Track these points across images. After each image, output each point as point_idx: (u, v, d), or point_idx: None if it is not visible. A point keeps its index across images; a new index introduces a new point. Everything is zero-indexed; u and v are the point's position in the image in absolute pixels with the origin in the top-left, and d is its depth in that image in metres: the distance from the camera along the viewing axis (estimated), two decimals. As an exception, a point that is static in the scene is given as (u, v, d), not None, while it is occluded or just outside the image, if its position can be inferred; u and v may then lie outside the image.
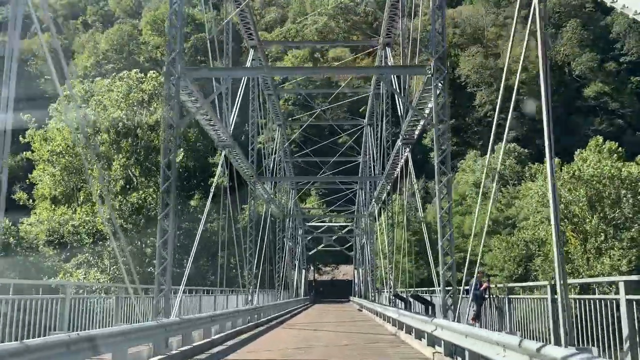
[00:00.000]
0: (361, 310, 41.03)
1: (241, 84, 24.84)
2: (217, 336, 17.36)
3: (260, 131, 35.77)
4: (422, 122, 18.87)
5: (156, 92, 50.81)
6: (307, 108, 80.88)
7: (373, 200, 37.24)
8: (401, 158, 22.91)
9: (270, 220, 36.38)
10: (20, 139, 50.43)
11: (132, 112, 49.28)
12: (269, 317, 27.97)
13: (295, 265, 52.74)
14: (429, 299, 19.94)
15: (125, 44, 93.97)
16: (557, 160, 58.45)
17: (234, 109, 22.86)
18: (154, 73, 52.63)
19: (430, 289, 25.31)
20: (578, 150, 55.08)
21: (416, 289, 27.32)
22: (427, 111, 17.84)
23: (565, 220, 51.65)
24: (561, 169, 55.10)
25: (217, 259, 40.08)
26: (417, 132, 20.60)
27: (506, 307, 15.52)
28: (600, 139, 57.42)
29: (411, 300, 21.78)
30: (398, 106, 21.60)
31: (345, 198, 53.64)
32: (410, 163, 20.70)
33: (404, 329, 18.58)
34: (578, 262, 50.78)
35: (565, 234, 51.53)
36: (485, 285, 16.04)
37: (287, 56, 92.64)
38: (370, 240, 42.86)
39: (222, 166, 22.03)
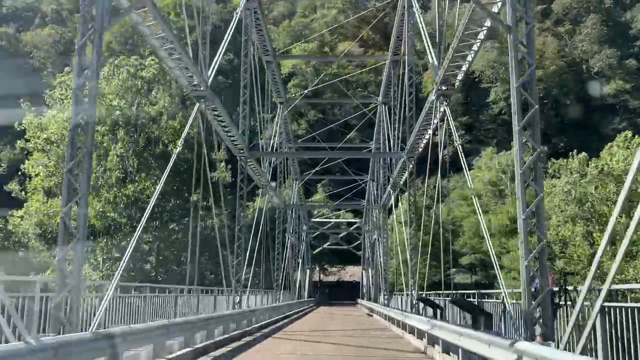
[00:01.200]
0: (371, 315, 35.37)
1: (232, 23, 19.42)
2: (177, 354, 11.92)
3: (263, 127, 30.73)
4: (471, 57, 13.28)
5: (156, 79, 47.29)
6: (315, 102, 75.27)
7: (388, 187, 31.48)
8: (434, 117, 17.09)
9: (270, 212, 30.87)
10: (16, 125, 46.41)
11: (131, 101, 45.29)
12: (262, 323, 22.44)
13: (298, 264, 46.84)
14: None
15: (130, 36, 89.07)
16: (583, 155, 52.70)
17: (219, 53, 17.49)
18: (152, 60, 48.61)
19: (461, 292, 19.86)
20: (608, 144, 49.50)
21: (444, 292, 21.87)
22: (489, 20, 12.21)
23: (592, 220, 46.38)
24: (588, 164, 49.51)
25: (219, 257, 34.95)
26: (460, 77, 14.97)
27: (597, 321, 10.14)
28: (629, 133, 51.98)
29: (443, 306, 16.28)
30: (428, 50, 15.86)
31: (356, 189, 47.52)
32: (450, 118, 14.89)
33: (439, 347, 13.07)
34: (607, 266, 45.37)
35: (593, 234, 46.18)
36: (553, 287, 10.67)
37: (295, 49, 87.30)
38: (384, 236, 36.91)
39: (194, 119, 16.55)
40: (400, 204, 30.74)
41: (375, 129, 38.35)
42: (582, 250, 45.15)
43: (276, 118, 32.53)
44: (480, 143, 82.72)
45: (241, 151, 23.23)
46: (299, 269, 46.58)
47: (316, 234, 57.87)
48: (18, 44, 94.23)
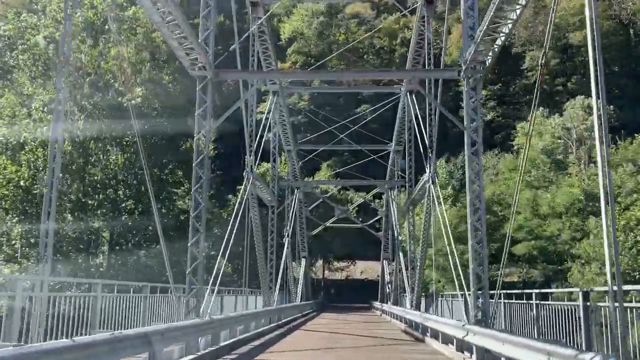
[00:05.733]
0: (422, 341, 16.75)
1: None
2: None
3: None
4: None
5: (115, 15, 31.75)
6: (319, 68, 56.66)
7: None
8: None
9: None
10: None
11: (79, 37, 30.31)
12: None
13: (282, 245, 26.16)
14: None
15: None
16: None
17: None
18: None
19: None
20: None
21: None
22: None
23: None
24: None
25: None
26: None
27: None
28: None
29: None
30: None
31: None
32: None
33: None
34: None
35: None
36: None
37: (297, 9, 69.62)
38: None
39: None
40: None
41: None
42: None
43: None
44: (512, 117, 64.54)
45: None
46: (282, 254, 26.09)
47: (316, 203, 37.00)
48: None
